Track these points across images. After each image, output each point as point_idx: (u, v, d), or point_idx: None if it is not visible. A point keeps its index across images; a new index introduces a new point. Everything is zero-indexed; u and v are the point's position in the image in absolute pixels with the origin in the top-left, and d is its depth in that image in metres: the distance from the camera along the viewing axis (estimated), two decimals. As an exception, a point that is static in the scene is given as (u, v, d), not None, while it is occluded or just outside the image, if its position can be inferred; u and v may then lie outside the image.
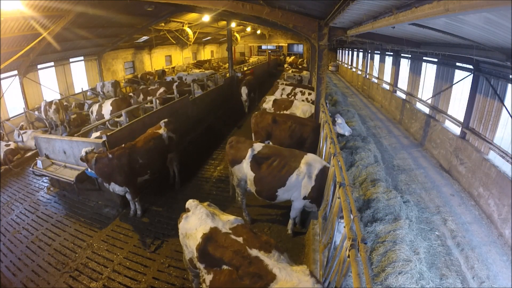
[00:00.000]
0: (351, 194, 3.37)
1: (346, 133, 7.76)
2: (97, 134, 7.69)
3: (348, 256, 2.46)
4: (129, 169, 6.06)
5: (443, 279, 4.60)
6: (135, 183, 6.32)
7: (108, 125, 9.25)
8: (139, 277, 4.93)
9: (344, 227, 2.87)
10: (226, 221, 3.46)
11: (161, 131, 7.00)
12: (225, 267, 3.08)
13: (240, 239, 3.18)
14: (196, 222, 3.48)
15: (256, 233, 3.35)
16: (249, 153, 5.52)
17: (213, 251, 3.19)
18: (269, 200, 5.65)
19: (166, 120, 7.37)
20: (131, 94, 13.02)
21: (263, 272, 2.83)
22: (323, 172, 5.08)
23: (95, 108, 11.32)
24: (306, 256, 5.00)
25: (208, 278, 3.21)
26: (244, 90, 14.40)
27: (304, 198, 5.23)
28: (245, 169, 5.60)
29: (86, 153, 5.91)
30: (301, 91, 11.93)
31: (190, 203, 3.80)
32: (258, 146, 5.64)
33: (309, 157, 5.30)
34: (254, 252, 3.02)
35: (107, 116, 10.65)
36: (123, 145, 6.25)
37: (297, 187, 5.23)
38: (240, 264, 2.96)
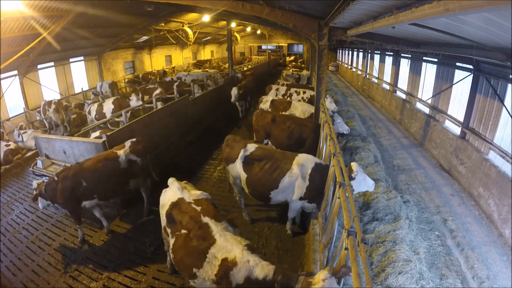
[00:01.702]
0: (351, 194, 3.37)
1: (345, 132, 8.64)
2: (97, 134, 7.68)
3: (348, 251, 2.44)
4: (70, 193, 5.41)
5: (443, 279, 4.61)
6: (76, 207, 5.62)
7: (108, 125, 9.24)
8: (139, 277, 4.93)
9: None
10: (193, 194, 3.99)
11: (120, 152, 5.94)
12: (183, 231, 3.55)
13: (198, 208, 3.70)
14: (170, 195, 4.07)
15: (217, 207, 3.90)
16: (241, 153, 5.48)
17: (176, 215, 3.75)
18: (263, 201, 5.64)
19: (134, 139, 6.21)
20: (127, 97, 12.82)
21: (207, 236, 3.33)
22: (316, 170, 5.02)
23: (93, 107, 11.21)
24: (306, 256, 4.99)
25: (171, 242, 3.69)
26: (234, 91, 12.89)
27: (301, 198, 5.18)
28: (238, 169, 5.59)
29: (38, 184, 5.49)
30: (296, 91, 11.78)
31: (170, 181, 4.34)
32: (251, 147, 5.57)
33: (301, 157, 5.22)
34: (205, 219, 3.52)
35: (108, 114, 10.56)
36: (70, 165, 5.81)
37: (291, 189, 5.18)
38: (192, 228, 3.48)
